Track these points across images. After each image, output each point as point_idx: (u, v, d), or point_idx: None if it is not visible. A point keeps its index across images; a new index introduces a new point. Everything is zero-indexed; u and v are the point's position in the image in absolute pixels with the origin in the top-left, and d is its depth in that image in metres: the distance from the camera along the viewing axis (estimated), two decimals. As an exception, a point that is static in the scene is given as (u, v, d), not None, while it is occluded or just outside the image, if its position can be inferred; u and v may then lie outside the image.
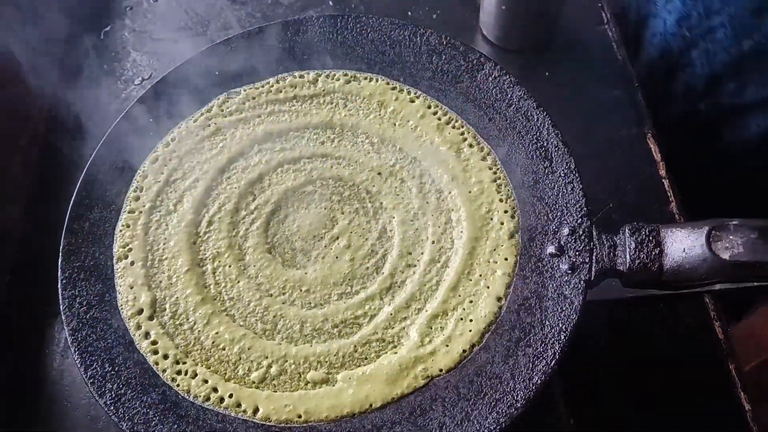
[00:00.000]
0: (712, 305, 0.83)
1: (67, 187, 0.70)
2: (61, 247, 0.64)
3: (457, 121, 0.70)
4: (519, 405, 0.55)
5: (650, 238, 0.59)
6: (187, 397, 0.58)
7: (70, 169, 0.87)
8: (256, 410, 0.58)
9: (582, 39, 1.07)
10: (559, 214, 0.63)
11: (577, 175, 0.65)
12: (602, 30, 1.07)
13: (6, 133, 0.92)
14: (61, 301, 0.61)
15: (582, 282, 0.60)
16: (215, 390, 0.59)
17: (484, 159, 0.68)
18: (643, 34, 1.09)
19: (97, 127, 0.79)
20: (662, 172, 0.93)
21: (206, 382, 0.59)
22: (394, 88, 0.73)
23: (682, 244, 0.57)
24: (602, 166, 0.95)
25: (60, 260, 0.63)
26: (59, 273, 0.63)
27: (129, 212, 0.67)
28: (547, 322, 0.59)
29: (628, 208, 0.91)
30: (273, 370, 0.60)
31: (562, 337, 0.58)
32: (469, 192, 0.67)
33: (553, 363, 0.57)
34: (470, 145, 0.69)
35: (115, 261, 0.64)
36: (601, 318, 0.84)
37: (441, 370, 0.59)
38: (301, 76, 0.74)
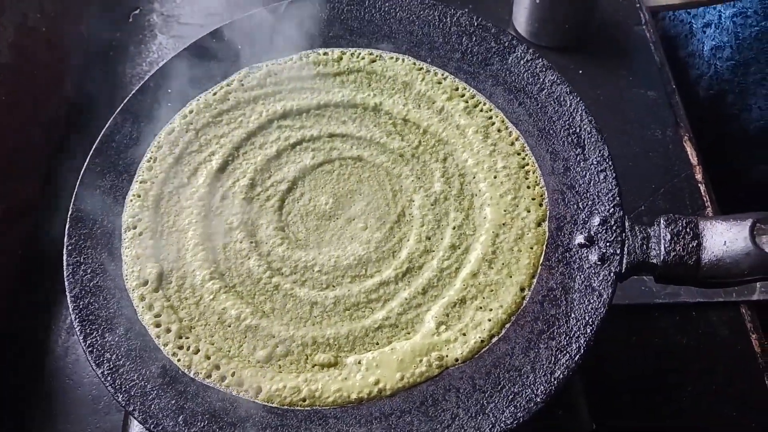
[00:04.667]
0: (749, 316, 0.79)
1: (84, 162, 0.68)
2: (69, 214, 0.62)
3: (485, 104, 0.67)
4: (539, 400, 0.51)
5: (687, 230, 0.55)
6: (187, 373, 0.55)
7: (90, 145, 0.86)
8: (258, 391, 0.54)
9: (619, 39, 1.04)
10: (590, 203, 0.60)
11: (610, 163, 0.61)
12: (640, 30, 1.04)
13: (28, 110, 0.91)
14: (65, 267, 0.59)
15: (612, 274, 0.56)
16: (217, 367, 0.56)
17: (512, 144, 0.65)
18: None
19: (112, 105, 0.78)
20: (698, 177, 0.89)
21: (208, 358, 0.56)
22: (420, 69, 0.70)
23: (723, 237, 0.53)
24: (634, 168, 0.91)
25: (67, 226, 0.61)
26: (65, 239, 0.60)
27: (141, 182, 0.65)
28: (573, 315, 0.55)
29: (660, 212, 0.87)
30: (279, 350, 0.56)
31: (588, 331, 0.54)
32: (495, 177, 0.63)
33: (577, 357, 0.53)
34: (498, 130, 0.66)
35: (123, 230, 0.62)
36: (627, 324, 0.80)
37: (456, 360, 0.55)
38: (325, 54, 0.72)
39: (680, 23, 1.02)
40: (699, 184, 0.88)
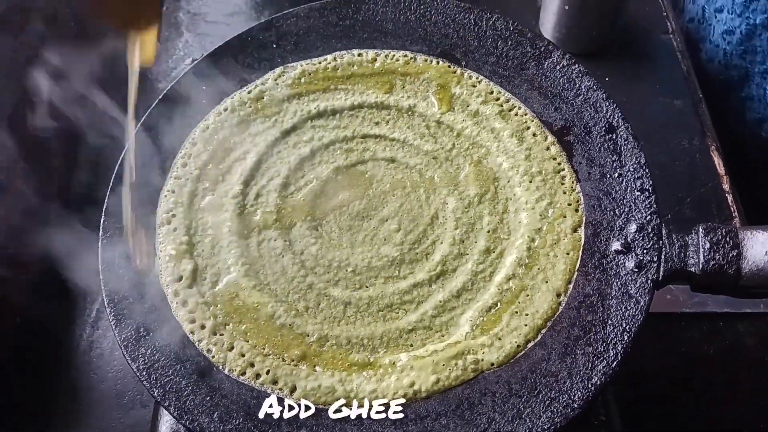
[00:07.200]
0: (777, 327, 0.78)
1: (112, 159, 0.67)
2: (104, 207, 0.62)
3: (520, 108, 0.67)
4: (576, 406, 0.51)
5: (727, 239, 0.55)
6: (221, 370, 0.55)
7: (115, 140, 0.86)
8: (293, 389, 0.54)
9: (646, 47, 1.04)
10: (626, 209, 0.60)
11: (647, 170, 0.61)
12: (667, 39, 1.04)
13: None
14: (100, 261, 0.59)
15: (649, 281, 0.56)
16: (252, 365, 0.55)
17: (547, 149, 0.65)
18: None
19: (145, 103, 0.78)
20: (726, 187, 0.89)
21: (243, 356, 0.56)
22: (455, 72, 0.70)
23: (765, 247, 0.53)
24: (660, 176, 0.90)
25: (102, 220, 0.61)
26: (100, 232, 0.60)
27: (175, 178, 0.65)
28: (610, 322, 0.55)
29: (687, 221, 0.87)
30: (313, 349, 0.56)
31: (626, 338, 0.54)
32: (530, 182, 0.63)
33: (614, 364, 0.53)
34: (533, 134, 0.66)
35: (157, 225, 0.62)
36: (654, 332, 0.79)
37: (492, 364, 0.55)
38: (360, 55, 0.72)
39: (735, 68, 1.00)
40: (726, 194, 0.88)
